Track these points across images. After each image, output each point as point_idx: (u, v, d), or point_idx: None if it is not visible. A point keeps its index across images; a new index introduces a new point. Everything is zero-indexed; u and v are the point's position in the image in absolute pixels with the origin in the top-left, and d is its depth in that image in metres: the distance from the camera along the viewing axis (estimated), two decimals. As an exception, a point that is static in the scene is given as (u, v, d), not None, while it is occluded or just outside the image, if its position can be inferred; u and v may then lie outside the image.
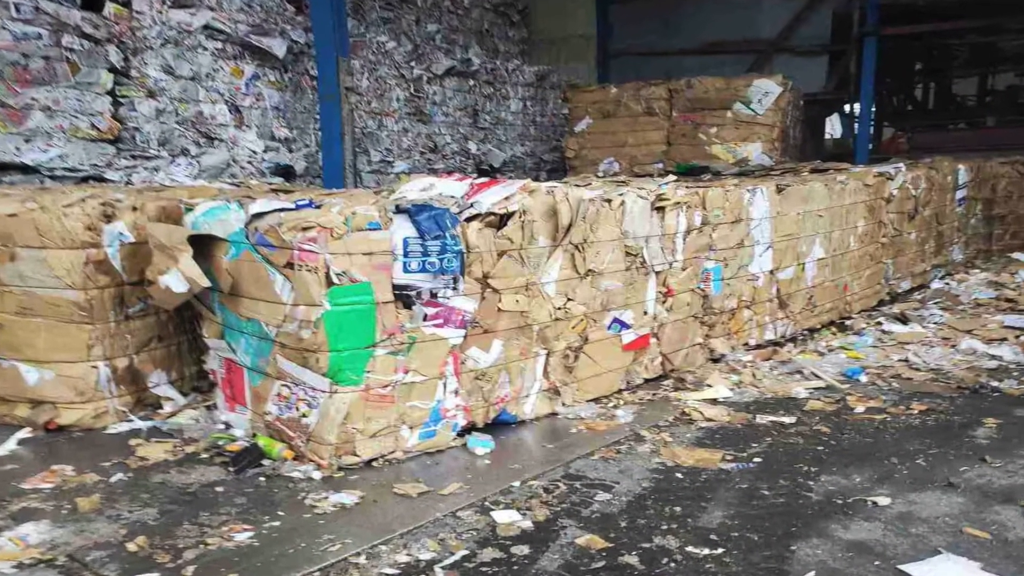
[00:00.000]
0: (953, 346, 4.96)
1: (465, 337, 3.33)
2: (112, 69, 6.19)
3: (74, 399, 3.56)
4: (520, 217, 3.42)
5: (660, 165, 9.08)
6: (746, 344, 4.90)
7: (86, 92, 6.01)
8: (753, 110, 8.83)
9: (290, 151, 7.87)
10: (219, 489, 2.94)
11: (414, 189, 3.47)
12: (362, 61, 8.57)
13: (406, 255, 3.09)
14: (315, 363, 3.03)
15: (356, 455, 3.10)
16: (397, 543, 2.53)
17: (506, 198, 3.41)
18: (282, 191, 4.44)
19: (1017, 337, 5.07)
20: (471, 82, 10.31)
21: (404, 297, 3.12)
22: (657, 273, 4.20)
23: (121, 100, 6.31)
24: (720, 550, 2.47)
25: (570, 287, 3.74)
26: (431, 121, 9.66)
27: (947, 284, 7.13)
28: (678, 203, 4.21)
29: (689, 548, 2.48)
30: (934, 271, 7.26)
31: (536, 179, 4.27)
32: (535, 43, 12.77)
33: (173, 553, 2.45)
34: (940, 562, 2.38)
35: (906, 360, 4.69)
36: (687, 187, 4.56)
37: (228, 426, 3.51)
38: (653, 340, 4.26)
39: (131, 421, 3.63)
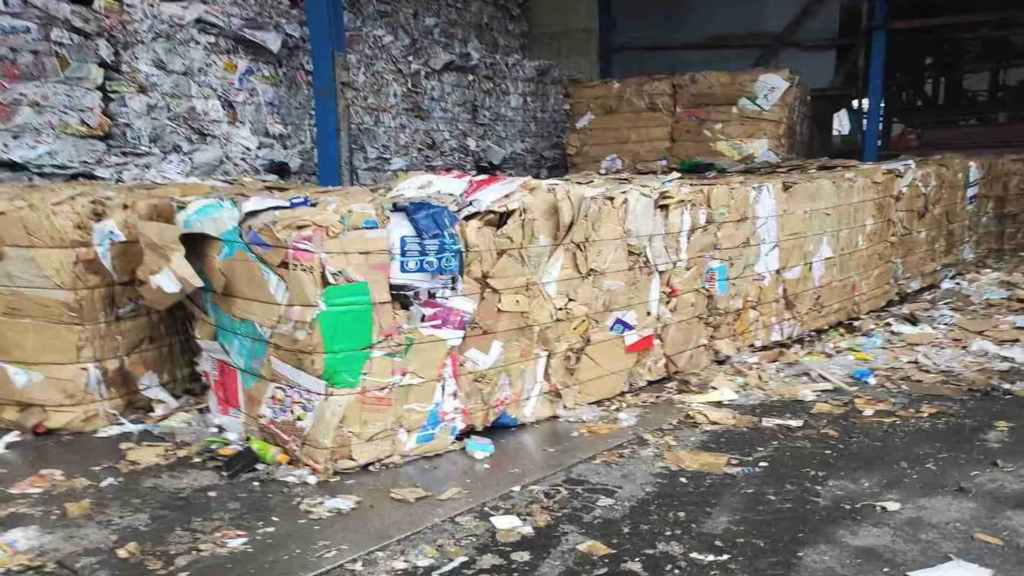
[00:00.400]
0: (964, 347, 4.97)
1: (464, 338, 3.33)
2: (102, 64, 6.19)
3: (63, 402, 3.56)
4: (520, 215, 3.42)
5: (664, 162, 9.08)
6: (752, 345, 4.91)
7: (76, 87, 6.01)
8: (759, 106, 8.83)
9: (285, 148, 7.87)
10: (212, 494, 2.94)
11: (412, 187, 3.48)
12: (358, 55, 8.57)
13: (403, 254, 3.09)
14: (310, 365, 3.03)
15: (352, 459, 3.10)
16: (394, 549, 2.53)
17: (506, 196, 3.41)
18: (276, 189, 4.43)
19: (1029, 338, 5.08)
20: (470, 77, 10.31)
21: (401, 297, 3.13)
22: (661, 273, 4.20)
23: (111, 95, 6.31)
24: (725, 556, 2.47)
25: (571, 287, 3.74)
26: (429, 117, 9.66)
27: (958, 284, 7.13)
28: (682, 201, 4.22)
29: (693, 554, 2.48)
30: (944, 271, 7.26)
31: (537, 176, 4.28)
32: (535, 37, 12.78)
33: (165, 560, 2.45)
34: (950, 569, 2.38)
35: (916, 362, 4.69)
36: (691, 184, 4.57)
37: (221, 429, 3.51)
38: (656, 341, 4.27)
39: (122, 424, 3.63)
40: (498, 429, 3.55)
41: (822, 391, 4.20)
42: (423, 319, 3.19)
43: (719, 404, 3.98)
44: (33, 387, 3.57)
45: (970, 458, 3.27)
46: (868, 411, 3.86)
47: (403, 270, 3.10)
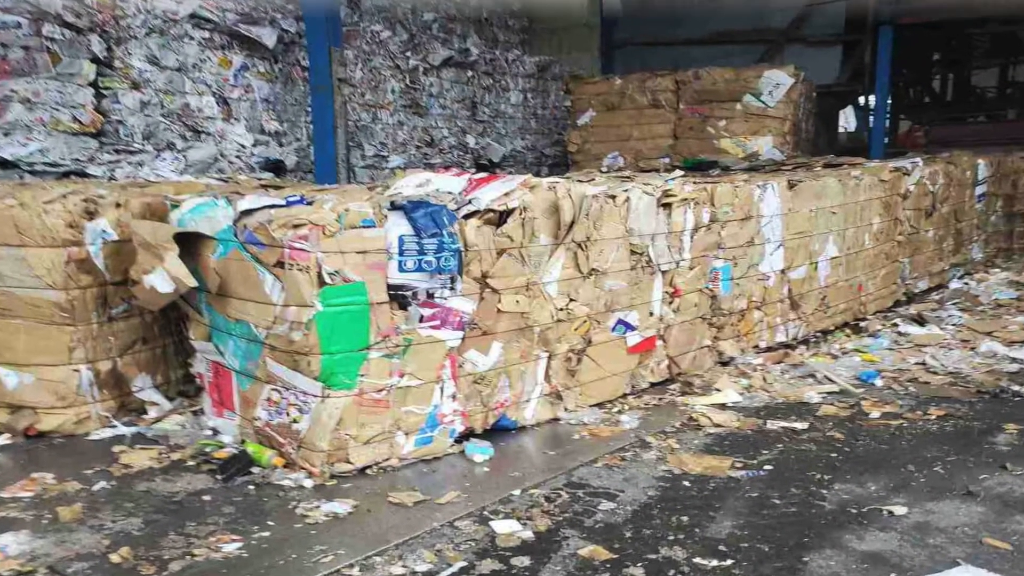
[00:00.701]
0: (972, 348, 4.97)
1: (463, 339, 3.33)
2: (95, 59, 6.18)
3: (55, 404, 3.56)
4: (520, 214, 3.42)
5: (666, 160, 9.08)
6: (756, 346, 4.91)
7: (67, 83, 6.01)
8: (764, 102, 8.83)
9: (280, 145, 7.87)
10: (206, 498, 2.94)
11: (410, 185, 3.48)
12: (356, 51, 8.57)
13: (402, 254, 3.09)
14: (306, 366, 3.03)
15: (349, 462, 3.10)
16: (392, 554, 2.53)
17: (506, 194, 3.41)
18: (272, 187, 4.43)
19: (1039, 339, 5.08)
20: (469, 73, 10.31)
21: (400, 297, 3.12)
22: (663, 272, 4.20)
23: (104, 92, 6.31)
24: (729, 561, 2.47)
25: (572, 287, 3.74)
26: (428, 114, 9.65)
27: (966, 284, 7.13)
28: (685, 199, 4.22)
29: (697, 559, 2.48)
30: (952, 270, 7.26)
31: (537, 174, 4.28)
32: (536, 32, 12.77)
33: (158, 565, 2.45)
34: (959, 574, 2.38)
35: (923, 363, 4.70)
36: (695, 183, 4.56)
37: (216, 432, 3.51)
38: (659, 342, 4.26)
39: (114, 427, 3.63)
40: (498, 432, 3.55)
41: (828, 393, 4.20)
42: (421, 320, 3.18)
43: (723, 406, 3.98)
44: (24, 389, 3.57)
45: (979, 461, 3.26)
46: (875, 413, 3.86)
47: (401, 270, 3.10)
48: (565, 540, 2.61)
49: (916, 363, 4.71)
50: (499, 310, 3.42)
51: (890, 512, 2.80)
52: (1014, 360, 4.71)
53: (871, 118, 12.72)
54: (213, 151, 7.14)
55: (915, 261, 6.51)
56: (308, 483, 3.02)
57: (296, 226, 2.95)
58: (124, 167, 6.41)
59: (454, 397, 3.34)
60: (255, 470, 3.13)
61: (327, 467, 3.07)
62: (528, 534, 2.65)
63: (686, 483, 3.08)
